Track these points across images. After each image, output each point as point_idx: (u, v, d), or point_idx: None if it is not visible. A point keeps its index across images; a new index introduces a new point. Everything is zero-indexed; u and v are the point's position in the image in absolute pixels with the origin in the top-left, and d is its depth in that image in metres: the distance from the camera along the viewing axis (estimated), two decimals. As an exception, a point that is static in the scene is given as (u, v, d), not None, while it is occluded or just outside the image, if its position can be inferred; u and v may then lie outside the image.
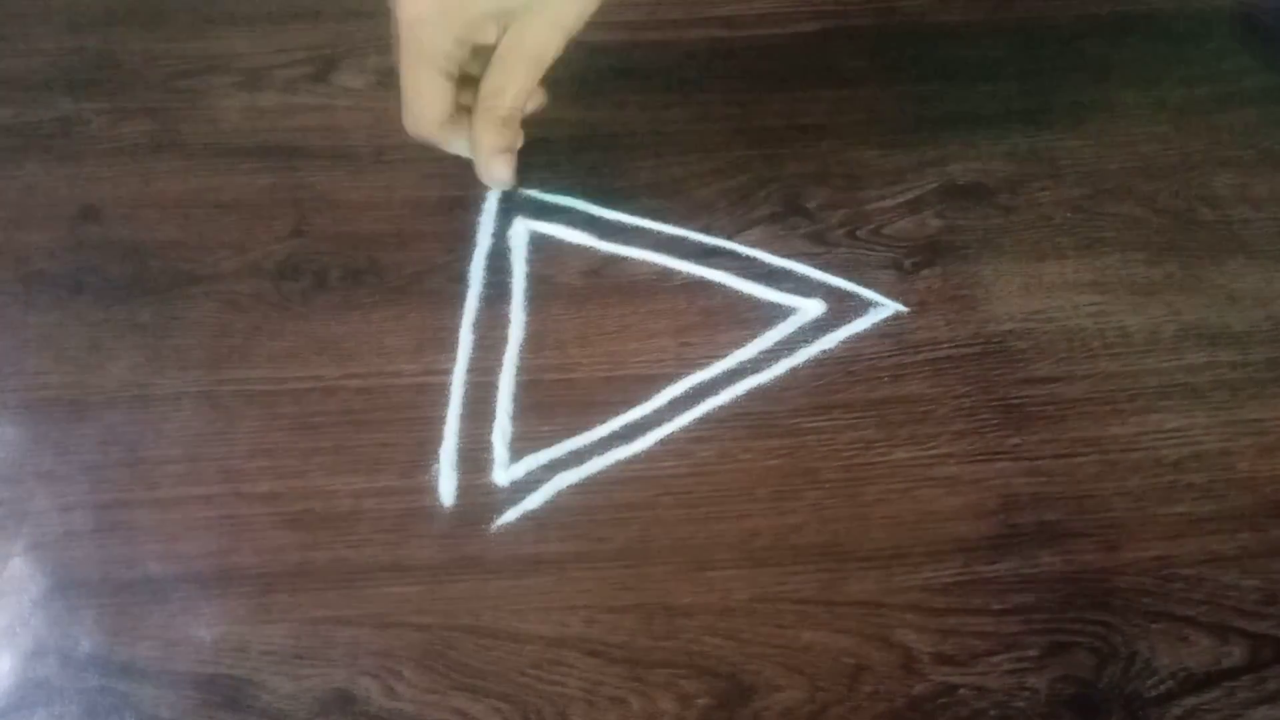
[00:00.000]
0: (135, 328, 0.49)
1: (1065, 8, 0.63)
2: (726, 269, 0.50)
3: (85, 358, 0.47)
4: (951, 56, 0.60)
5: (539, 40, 0.43)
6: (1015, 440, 0.45)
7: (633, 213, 0.52)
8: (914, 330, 0.49)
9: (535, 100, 0.48)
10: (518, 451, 0.45)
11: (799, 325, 0.49)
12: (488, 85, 0.45)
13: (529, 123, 0.48)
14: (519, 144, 0.48)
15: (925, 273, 0.51)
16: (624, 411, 0.46)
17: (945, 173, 0.55)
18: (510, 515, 0.43)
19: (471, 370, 0.47)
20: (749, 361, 0.47)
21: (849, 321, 0.49)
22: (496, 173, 0.48)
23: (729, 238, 0.51)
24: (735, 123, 0.56)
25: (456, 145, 0.48)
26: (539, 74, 0.45)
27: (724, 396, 0.46)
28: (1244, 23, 0.62)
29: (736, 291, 0.50)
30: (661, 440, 0.45)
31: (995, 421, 0.46)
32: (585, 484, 0.44)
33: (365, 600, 0.41)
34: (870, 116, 0.57)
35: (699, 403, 0.46)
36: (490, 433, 0.45)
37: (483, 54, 0.46)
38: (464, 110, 0.46)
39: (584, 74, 0.56)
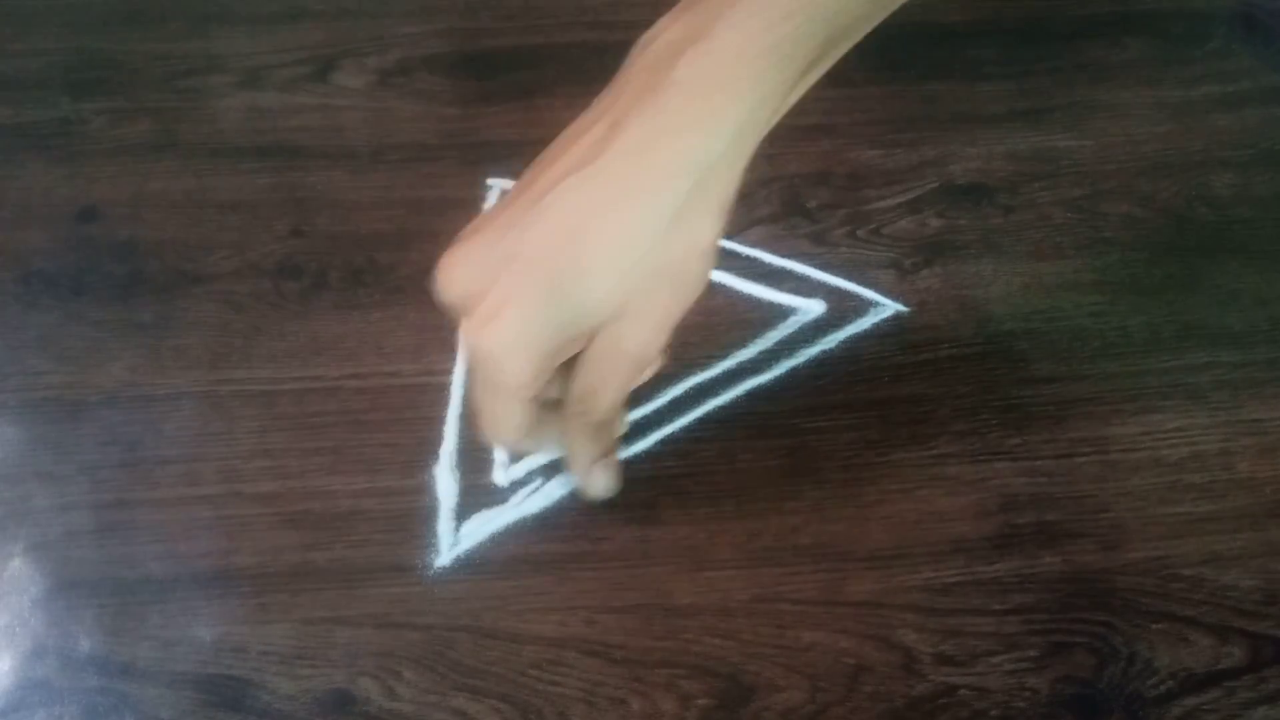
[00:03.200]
0: (135, 328, 0.49)
1: (1065, 8, 0.63)
2: (727, 269, 0.50)
3: (85, 357, 0.47)
4: (951, 56, 0.60)
5: (640, 341, 0.36)
6: (1015, 440, 0.45)
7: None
8: (914, 330, 0.49)
9: (650, 370, 0.39)
10: (518, 452, 0.44)
11: (799, 325, 0.49)
12: (579, 387, 0.37)
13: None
14: (619, 442, 0.42)
15: (925, 273, 0.51)
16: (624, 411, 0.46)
17: (945, 173, 0.55)
18: (510, 516, 0.43)
19: (471, 370, 0.47)
20: (749, 361, 0.47)
21: (849, 321, 0.49)
22: (598, 484, 0.41)
23: (729, 238, 0.51)
24: (735, 123, 0.56)
25: (547, 447, 0.42)
26: (640, 375, 0.38)
27: (724, 396, 0.46)
28: (1244, 23, 0.62)
29: (736, 291, 0.50)
30: (661, 440, 0.45)
31: (995, 421, 0.46)
32: (585, 484, 0.44)
33: (365, 600, 0.41)
34: (870, 116, 0.57)
35: (699, 403, 0.46)
36: (490, 433, 0.45)
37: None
38: (549, 407, 0.39)
39: (584, 74, 0.56)
